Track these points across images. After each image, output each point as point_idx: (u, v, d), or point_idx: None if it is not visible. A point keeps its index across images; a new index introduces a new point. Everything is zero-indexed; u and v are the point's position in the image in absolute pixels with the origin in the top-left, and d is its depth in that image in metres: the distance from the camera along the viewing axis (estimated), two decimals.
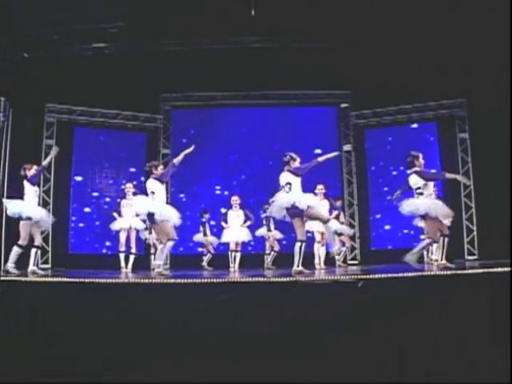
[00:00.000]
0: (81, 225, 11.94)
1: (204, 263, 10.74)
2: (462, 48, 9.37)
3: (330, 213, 9.33)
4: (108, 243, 11.67)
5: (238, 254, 9.89)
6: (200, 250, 11.31)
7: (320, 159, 6.93)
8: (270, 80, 11.48)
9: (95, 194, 12.18)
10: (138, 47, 10.29)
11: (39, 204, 8.17)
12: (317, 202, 7.20)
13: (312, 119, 12.68)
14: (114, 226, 9.62)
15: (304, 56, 10.38)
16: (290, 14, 8.92)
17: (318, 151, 12.12)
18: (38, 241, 7.55)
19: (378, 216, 12.16)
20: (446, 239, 6.80)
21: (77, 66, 10.40)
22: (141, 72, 10.80)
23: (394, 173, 11.94)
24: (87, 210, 12.04)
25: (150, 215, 6.93)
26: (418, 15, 8.78)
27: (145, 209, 7.03)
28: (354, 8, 8.62)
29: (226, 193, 12.24)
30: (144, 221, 8.71)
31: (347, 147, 12.50)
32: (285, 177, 6.73)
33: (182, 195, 12.49)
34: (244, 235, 9.91)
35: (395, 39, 9.56)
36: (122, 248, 9.40)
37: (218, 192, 12.44)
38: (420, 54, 9.85)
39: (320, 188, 9.19)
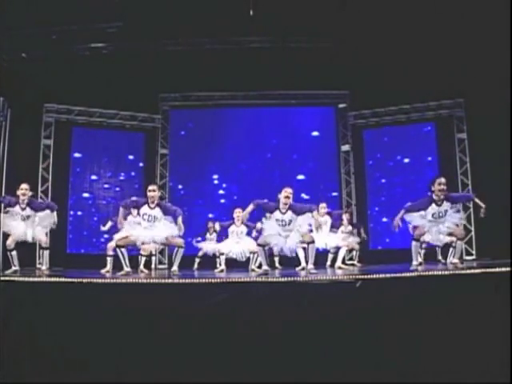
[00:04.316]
0: (79, 213, 11.94)
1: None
2: (460, 48, 9.37)
3: (334, 226, 9.30)
4: (106, 235, 11.67)
5: (256, 255, 9.28)
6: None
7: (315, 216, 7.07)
8: (269, 80, 11.47)
9: (94, 177, 12.15)
10: (136, 47, 10.27)
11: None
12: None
13: (310, 119, 12.74)
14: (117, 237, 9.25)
15: (302, 56, 10.38)
16: (289, 14, 8.91)
17: (315, 133, 12.30)
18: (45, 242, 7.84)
19: (376, 209, 12.23)
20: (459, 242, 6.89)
21: (75, 66, 10.37)
22: (139, 72, 10.78)
23: (391, 164, 12.14)
24: (86, 195, 12.05)
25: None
26: (416, 15, 8.78)
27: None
28: (353, 8, 8.62)
29: (224, 185, 12.38)
30: None
31: (345, 147, 12.52)
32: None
33: (180, 186, 12.50)
34: (250, 248, 9.16)
35: (394, 39, 9.56)
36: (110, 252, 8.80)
37: (216, 182, 12.47)
38: (418, 54, 9.84)
39: (322, 207, 9.16)
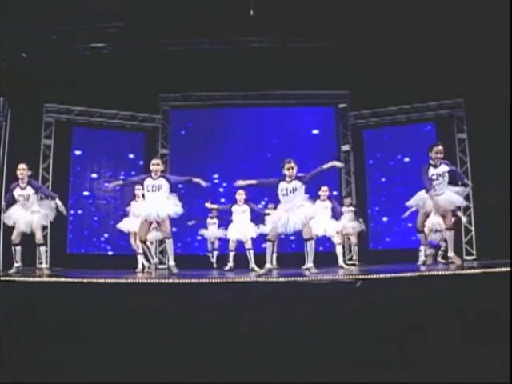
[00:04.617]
0: (80, 212, 11.98)
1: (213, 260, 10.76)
2: (460, 48, 9.38)
3: (334, 215, 9.27)
4: (106, 235, 11.84)
5: (252, 252, 9.27)
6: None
7: (324, 166, 7.01)
8: (269, 80, 11.49)
9: (94, 175, 12.22)
10: (136, 47, 10.29)
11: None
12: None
13: (310, 119, 12.76)
14: (123, 226, 9.36)
15: (302, 56, 10.38)
16: (289, 14, 8.92)
17: (315, 133, 12.31)
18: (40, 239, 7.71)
19: (377, 208, 12.26)
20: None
21: (75, 66, 10.38)
22: (139, 72, 10.80)
23: (391, 163, 12.18)
24: (86, 193, 12.12)
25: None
26: (416, 15, 8.79)
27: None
28: (353, 8, 8.62)
29: (224, 185, 12.36)
30: None
31: (345, 147, 12.53)
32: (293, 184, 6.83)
33: (180, 185, 12.43)
34: (250, 231, 9.28)
35: (394, 40, 9.57)
36: (140, 250, 8.71)
37: (216, 182, 12.45)
38: (418, 54, 9.85)
39: (324, 190, 9.14)
